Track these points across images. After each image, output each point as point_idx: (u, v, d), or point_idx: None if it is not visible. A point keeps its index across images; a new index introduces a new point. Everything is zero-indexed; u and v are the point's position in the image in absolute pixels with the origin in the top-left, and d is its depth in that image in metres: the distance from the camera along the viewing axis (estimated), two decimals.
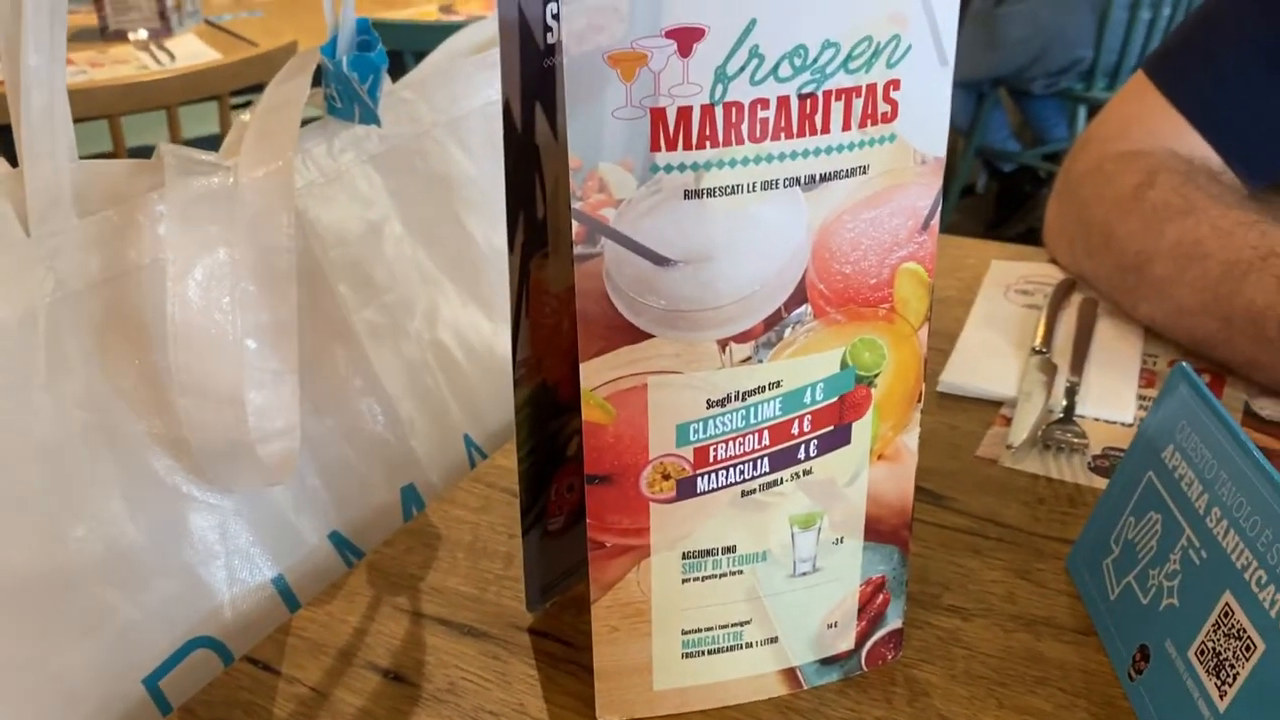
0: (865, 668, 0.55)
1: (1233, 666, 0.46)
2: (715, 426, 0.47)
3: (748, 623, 0.52)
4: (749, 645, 0.52)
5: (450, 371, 0.79)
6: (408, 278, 0.77)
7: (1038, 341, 0.83)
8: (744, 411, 0.46)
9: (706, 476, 0.48)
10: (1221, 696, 0.46)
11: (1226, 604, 0.48)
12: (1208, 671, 0.47)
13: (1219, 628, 0.48)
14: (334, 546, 0.71)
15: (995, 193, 3.83)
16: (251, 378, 0.66)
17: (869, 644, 0.55)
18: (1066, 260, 0.95)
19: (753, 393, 0.46)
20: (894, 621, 0.55)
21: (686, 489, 0.48)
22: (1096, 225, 0.88)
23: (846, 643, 0.54)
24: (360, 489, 0.72)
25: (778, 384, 0.46)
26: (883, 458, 0.50)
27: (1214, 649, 0.47)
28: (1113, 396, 0.77)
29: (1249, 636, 0.46)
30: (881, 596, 0.54)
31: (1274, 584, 0.45)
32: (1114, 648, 0.55)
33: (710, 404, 0.46)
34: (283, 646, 0.59)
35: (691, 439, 0.47)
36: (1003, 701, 0.53)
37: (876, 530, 0.52)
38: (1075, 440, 0.73)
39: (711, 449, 0.47)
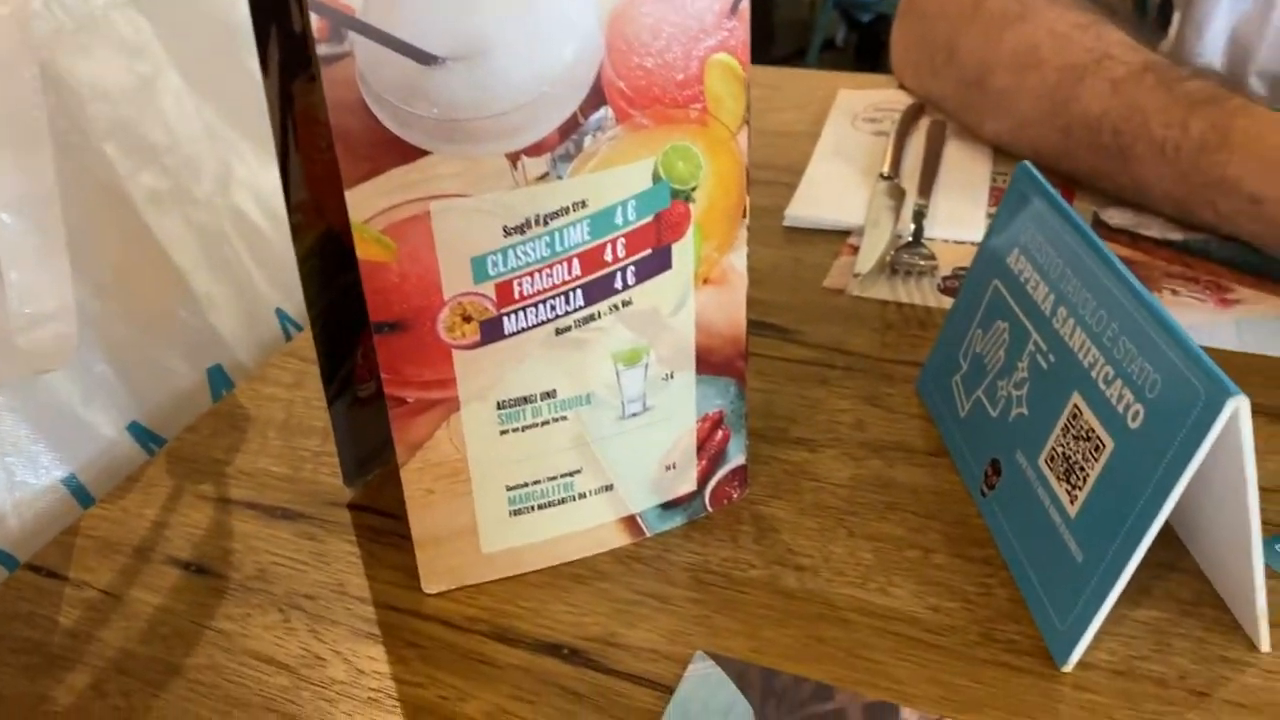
0: (710, 509, 0.52)
1: (1083, 470, 0.44)
2: (516, 257, 0.41)
3: (578, 472, 0.47)
4: (582, 496, 0.48)
5: (252, 240, 0.71)
6: (191, 136, 0.68)
7: (886, 167, 0.79)
8: (547, 238, 0.41)
9: (513, 315, 0.42)
10: (1072, 501, 0.44)
11: (1075, 406, 0.45)
12: (1058, 477, 0.45)
13: (1068, 431, 0.45)
14: (134, 439, 0.64)
15: (855, 44, 3.80)
16: (10, 255, 0.57)
17: (712, 484, 0.51)
18: (913, 83, 0.91)
19: (555, 215, 0.41)
20: (736, 458, 0.51)
21: (492, 331, 0.42)
22: (939, 42, 0.84)
23: (687, 485, 0.50)
24: (158, 374, 0.65)
25: (583, 204, 0.41)
26: (709, 282, 0.46)
27: (1064, 454, 0.45)
28: (961, 217, 0.75)
29: (1098, 436, 0.43)
30: (720, 433, 0.50)
31: (1121, 379, 0.43)
32: (965, 466, 0.53)
33: (507, 231, 0.41)
34: (70, 549, 0.53)
35: (491, 273, 0.41)
36: (853, 530, 0.51)
37: (709, 362, 0.48)
38: (923, 263, 0.70)
39: (515, 284, 0.42)
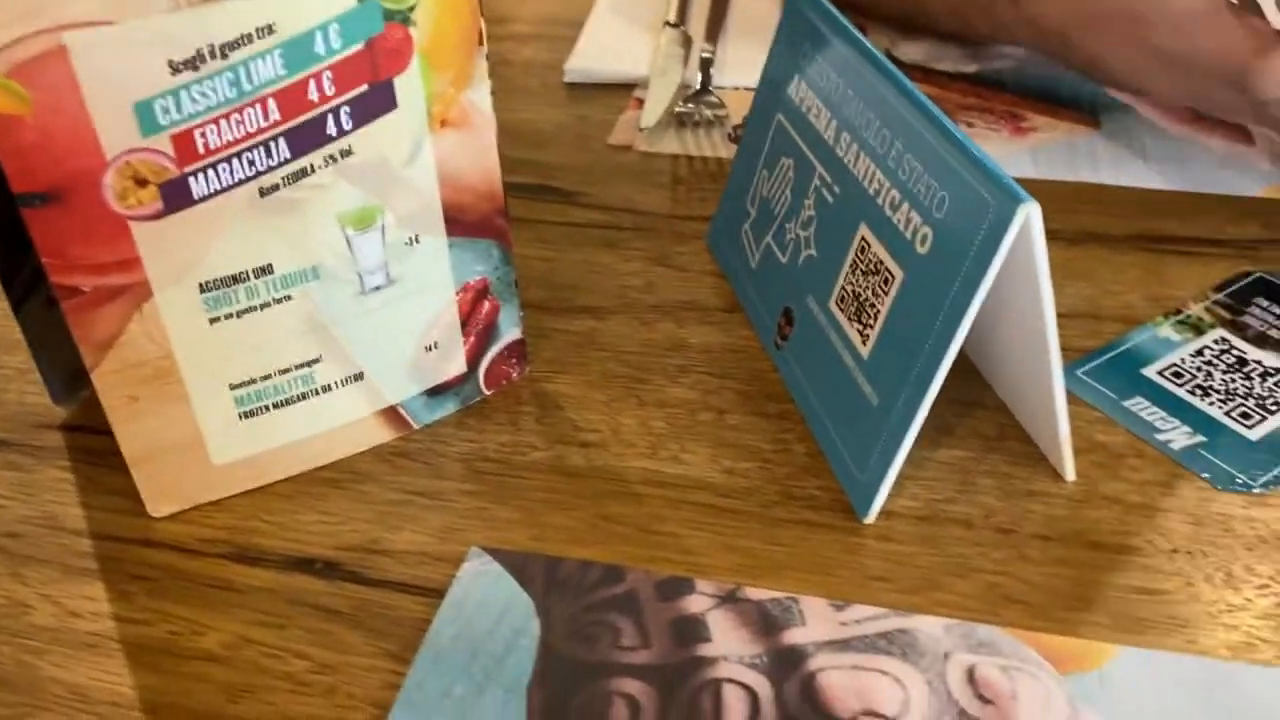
0: (487, 391, 0.46)
1: (873, 306, 0.40)
2: (193, 100, 0.34)
3: (317, 361, 0.41)
4: (327, 389, 0.42)
5: None
6: None
7: (671, 14, 0.73)
8: (231, 75, 0.34)
9: (201, 175, 0.35)
10: (864, 342, 0.41)
11: (863, 238, 0.41)
12: (849, 318, 0.42)
13: (857, 267, 0.42)
14: None
15: None
16: None
17: (485, 363, 0.46)
18: None
19: (236, 45, 0.34)
20: (510, 333, 0.46)
21: (176, 196, 0.35)
22: None
23: (456, 366, 0.45)
24: None
25: (269, 29, 0.34)
26: (447, 125, 0.39)
27: (854, 292, 0.42)
28: (751, 62, 0.69)
29: (887, 268, 0.40)
30: (487, 304, 0.44)
31: (908, 201, 0.39)
32: (760, 319, 0.49)
33: (175, 67, 0.33)
34: None
35: (163, 122, 0.34)
36: (644, 399, 0.46)
37: (461, 222, 0.42)
38: (712, 113, 0.65)
39: (198, 134, 0.34)
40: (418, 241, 0.41)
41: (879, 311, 0.40)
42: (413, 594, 0.39)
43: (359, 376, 0.42)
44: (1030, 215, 0.34)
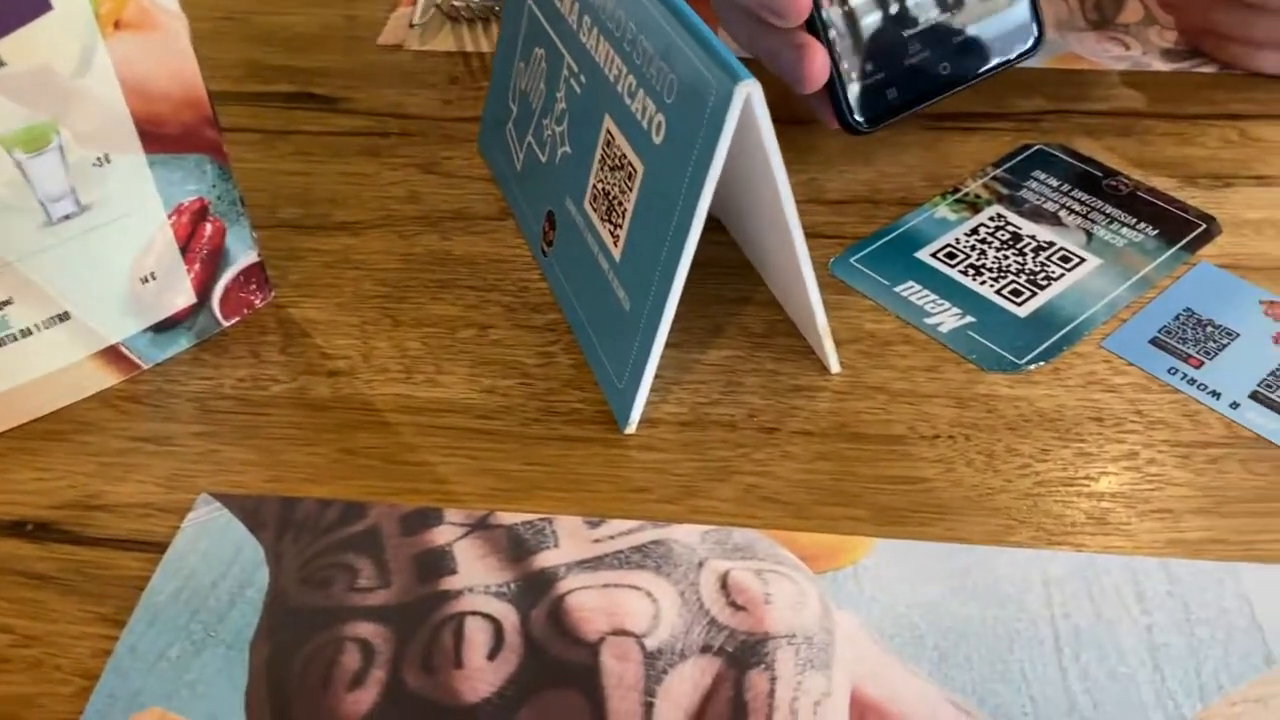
0: (225, 322, 0.43)
1: (620, 204, 0.38)
2: None
3: (8, 304, 0.37)
4: (27, 333, 0.38)
5: None
6: None
7: None
8: None
9: None
10: (616, 243, 0.38)
11: (608, 131, 0.39)
12: (601, 219, 0.39)
13: (605, 163, 0.39)
14: None
15: None
16: None
17: (219, 292, 0.42)
18: None
19: None
20: (245, 256, 0.42)
21: None
22: None
23: (182, 297, 0.41)
24: None
25: None
26: (124, 26, 0.35)
27: (604, 190, 0.39)
28: None
29: (629, 163, 0.37)
30: (209, 226, 0.40)
31: (644, 89, 0.36)
32: (527, 225, 0.46)
33: None
34: None
35: None
36: (400, 319, 0.43)
37: (160, 136, 0.37)
38: (486, 5, 0.61)
39: None
40: (108, 161, 0.36)
41: (626, 210, 0.37)
42: (133, 551, 0.35)
43: (64, 316, 0.38)
44: (751, 95, 0.31)
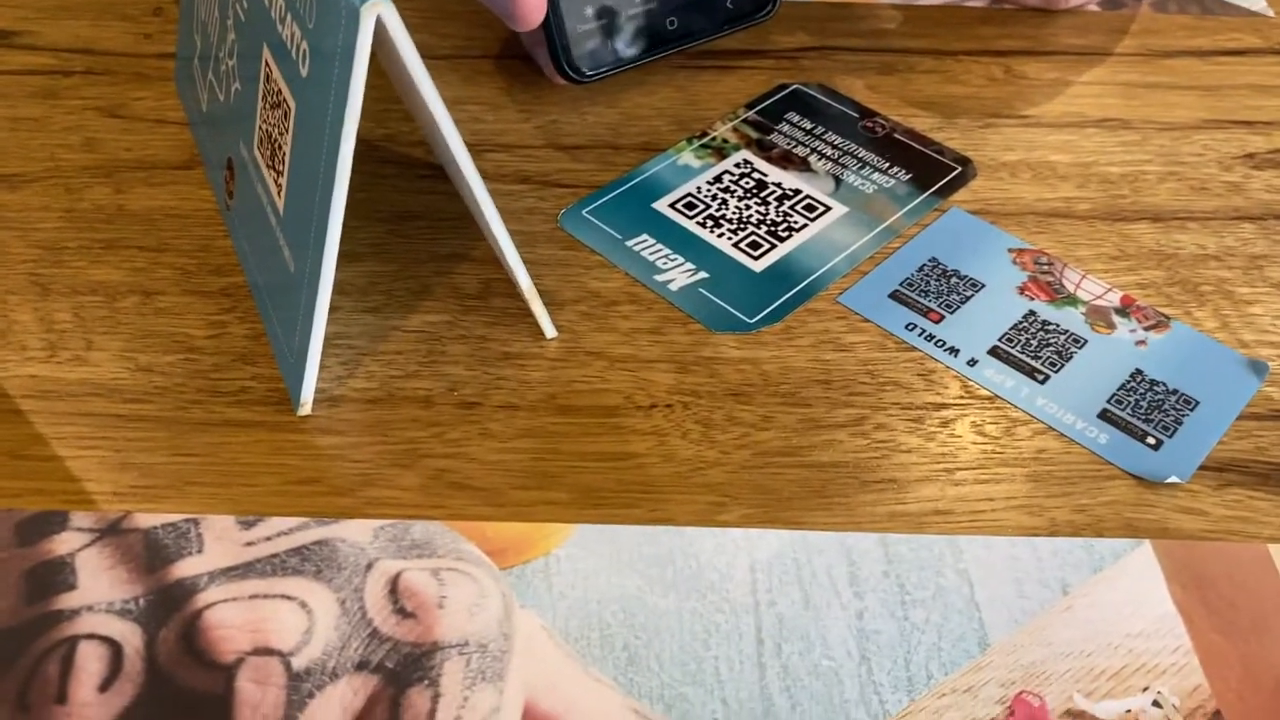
0: None
1: (281, 147, 0.33)
2: None
3: None
4: None
5: None
6: None
7: None
8: None
9: None
10: (280, 192, 0.33)
11: (266, 64, 0.33)
12: (267, 165, 0.34)
13: (266, 99, 0.33)
14: None
15: None
16: None
17: None
18: None
19: None
20: None
21: None
22: None
23: None
24: None
25: None
26: None
27: (268, 132, 0.33)
28: None
29: (285, 99, 0.32)
30: None
31: (291, 13, 0.31)
32: (213, 174, 0.40)
33: None
34: None
35: None
36: (51, 287, 0.37)
37: None
38: None
39: None
40: None
41: (286, 153, 0.32)
42: None
43: None
44: (384, 15, 0.26)
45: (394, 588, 0.29)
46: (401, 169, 0.42)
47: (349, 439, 0.33)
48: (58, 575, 0.29)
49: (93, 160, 0.42)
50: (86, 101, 0.44)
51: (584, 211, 0.40)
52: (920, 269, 0.38)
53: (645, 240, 0.39)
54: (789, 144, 0.43)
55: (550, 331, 0.36)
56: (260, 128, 0.34)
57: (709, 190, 0.41)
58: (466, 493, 0.32)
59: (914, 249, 0.39)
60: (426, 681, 0.27)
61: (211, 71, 0.39)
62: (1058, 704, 0.27)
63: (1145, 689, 0.27)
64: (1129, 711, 0.27)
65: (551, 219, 0.40)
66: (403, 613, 0.28)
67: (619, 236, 0.39)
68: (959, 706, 0.27)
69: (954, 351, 0.36)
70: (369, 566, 0.29)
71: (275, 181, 0.33)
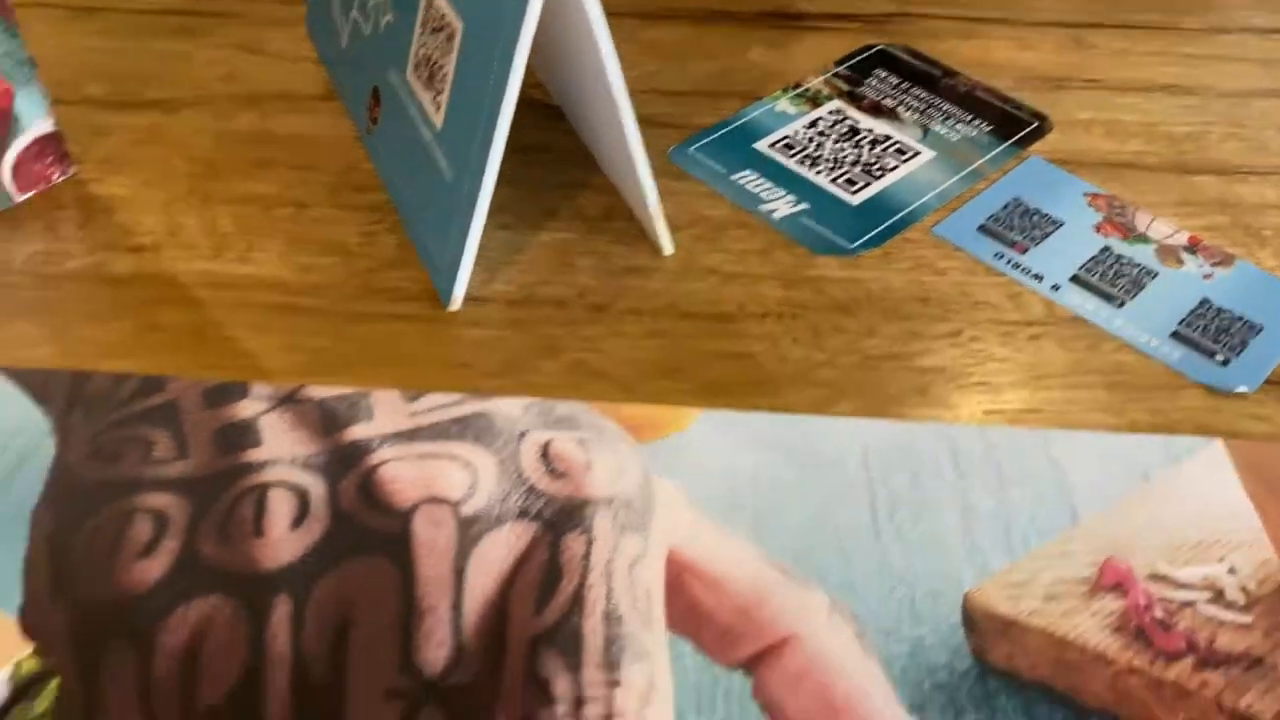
0: (19, 196, 0.39)
1: (442, 68, 0.36)
2: None
3: None
4: None
5: None
6: None
7: None
8: None
9: None
10: (438, 110, 0.37)
11: None
12: (424, 85, 0.37)
13: (426, 25, 0.37)
14: None
15: None
16: None
17: (10, 162, 0.38)
18: None
19: None
20: (37, 125, 0.39)
21: None
22: None
23: None
24: None
25: None
26: None
27: (426, 55, 0.37)
28: None
29: (449, 21, 0.35)
30: None
31: None
32: (353, 105, 0.44)
33: None
34: None
35: None
36: (211, 196, 0.41)
37: None
38: None
39: None
40: None
41: (447, 74, 0.36)
42: None
43: None
44: None
45: (545, 453, 0.32)
46: (522, 110, 0.45)
47: (494, 332, 0.36)
48: (244, 434, 0.32)
49: (237, 90, 0.45)
50: (224, 39, 0.48)
51: (691, 149, 0.44)
52: (1005, 207, 0.42)
53: (748, 175, 0.43)
54: (878, 96, 0.47)
55: (668, 248, 0.39)
56: (416, 53, 0.37)
57: (805, 134, 0.45)
58: (603, 380, 0.35)
59: (998, 190, 0.42)
60: (580, 529, 0.30)
61: (356, 8, 0.43)
62: (1142, 569, 0.30)
63: (1221, 559, 0.30)
64: (1206, 577, 0.30)
65: (660, 155, 0.43)
66: (555, 473, 0.32)
67: (724, 171, 0.43)
68: (1054, 568, 0.30)
69: (1039, 278, 0.39)
70: (522, 435, 0.33)
71: (433, 101, 0.36)
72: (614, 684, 0.27)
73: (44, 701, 0.27)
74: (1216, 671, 0.28)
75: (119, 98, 0.44)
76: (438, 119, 0.36)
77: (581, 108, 0.41)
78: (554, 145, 0.43)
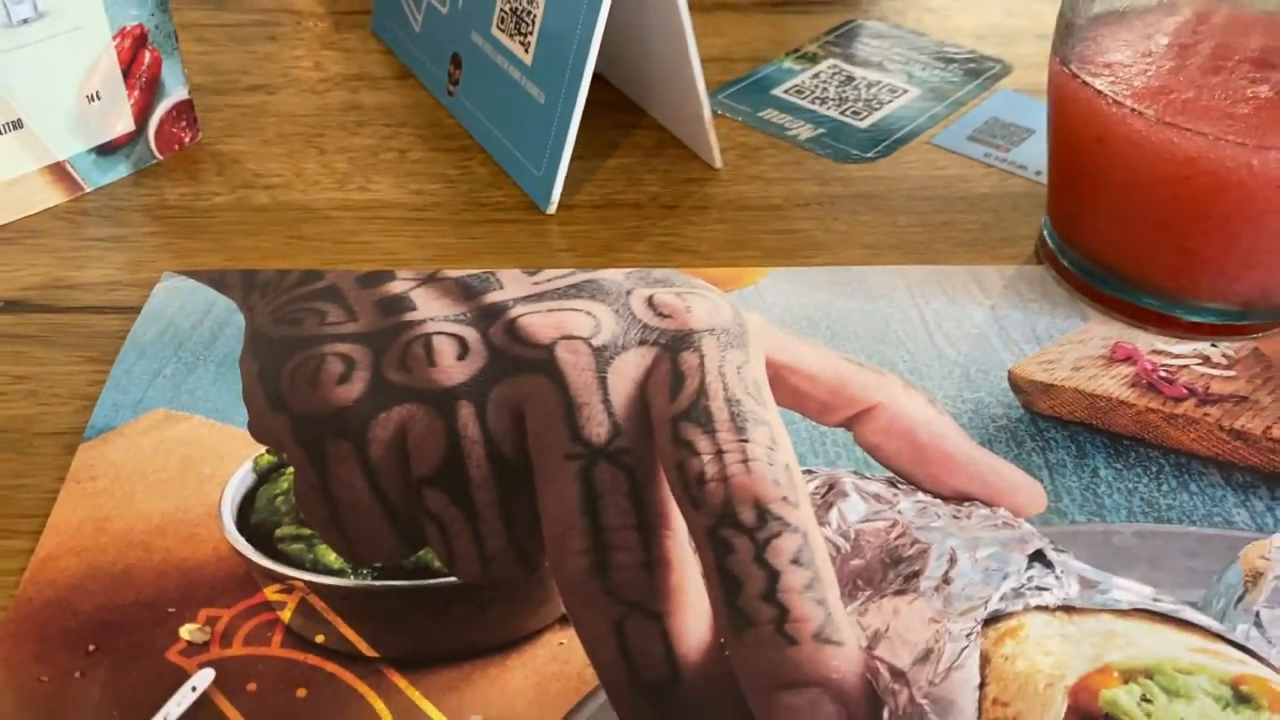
0: (159, 155, 0.46)
1: (530, 14, 0.44)
2: None
3: None
4: None
5: None
6: None
7: None
8: None
9: None
10: (526, 50, 0.44)
11: None
12: (510, 35, 0.45)
13: None
14: None
15: None
16: None
17: (155, 122, 0.45)
18: None
19: None
20: (177, 90, 0.45)
21: None
22: None
23: (123, 123, 0.44)
24: None
25: None
26: None
27: (511, 9, 0.45)
28: None
29: None
30: (148, 55, 0.44)
31: None
32: (430, 76, 0.51)
33: None
34: None
35: None
36: (323, 148, 0.47)
37: None
38: None
39: None
40: None
41: (535, 16, 0.43)
42: (107, 314, 0.38)
43: (18, 124, 0.41)
44: None
45: (650, 302, 0.39)
46: None
47: (588, 226, 0.43)
48: (400, 302, 0.38)
49: (324, 74, 0.52)
50: (301, 41, 0.55)
51: (719, 97, 0.52)
52: (986, 123, 0.50)
53: (771, 112, 0.51)
54: (866, 53, 0.55)
55: (718, 162, 0.47)
56: (501, 10, 0.45)
57: (812, 83, 0.53)
58: (685, 253, 0.42)
59: (979, 112, 0.51)
60: (692, 349, 0.37)
61: None
62: (1145, 347, 0.38)
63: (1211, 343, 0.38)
64: (1196, 349, 0.38)
65: None
66: (661, 315, 0.38)
67: (750, 110, 0.51)
68: (1076, 350, 0.37)
69: (1023, 167, 0.47)
70: (629, 293, 0.39)
71: (521, 44, 0.44)
72: (744, 440, 0.33)
73: (284, 482, 0.33)
74: (1214, 406, 0.35)
75: (222, 85, 0.51)
76: (527, 58, 0.44)
77: (639, 45, 0.48)
78: (598, 100, 0.51)
